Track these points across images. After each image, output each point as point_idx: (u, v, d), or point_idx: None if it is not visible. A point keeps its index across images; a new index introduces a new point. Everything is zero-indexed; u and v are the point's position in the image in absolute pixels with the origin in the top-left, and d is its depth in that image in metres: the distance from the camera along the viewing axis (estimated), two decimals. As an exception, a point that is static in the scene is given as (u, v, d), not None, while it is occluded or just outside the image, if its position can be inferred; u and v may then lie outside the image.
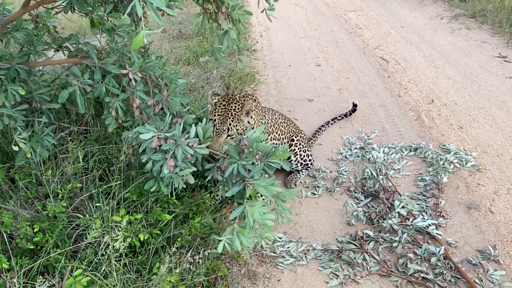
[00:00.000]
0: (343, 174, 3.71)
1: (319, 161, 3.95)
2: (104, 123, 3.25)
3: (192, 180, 2.41)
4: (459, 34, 6.69)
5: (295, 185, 3.59)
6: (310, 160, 3.68)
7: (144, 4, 1.54)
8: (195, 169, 2.39)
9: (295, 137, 3.62)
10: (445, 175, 3.53)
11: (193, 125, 2.43)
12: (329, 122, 4.45)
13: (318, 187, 3.59)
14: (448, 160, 3.71)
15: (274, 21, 8.02)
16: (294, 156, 3.59)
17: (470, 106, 4.65)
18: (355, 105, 4.51)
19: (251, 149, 2.37)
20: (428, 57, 6.00)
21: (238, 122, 2.80)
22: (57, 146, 3.05)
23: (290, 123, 3.68)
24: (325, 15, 8.18)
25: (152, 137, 2.23)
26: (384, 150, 3.98)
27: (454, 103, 4.75)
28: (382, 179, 3.51)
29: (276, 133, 3.41)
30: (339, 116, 4.54)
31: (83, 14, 2.59)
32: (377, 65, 5.90)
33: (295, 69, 5.98)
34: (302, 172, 3.69)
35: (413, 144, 4.04)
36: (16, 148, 2.39)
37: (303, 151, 3.63)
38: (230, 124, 2.78)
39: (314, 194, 3.53)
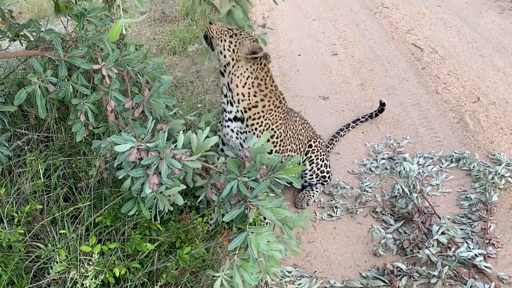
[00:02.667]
0: (367, 191, 3.71)
1: (337, 174, 3.96)
2: (70, 129, 3.27)
3: (180, 201, 2.42)
4: (510, 15, 6.72)
5: (307, 204, 3.59)
6: (328, 173, 3.69)
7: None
8: (184, 187, 2.40)
9: (313, 142, 3.64)
10: (495, 192, 3.53)
11: (181, 132, 2.43)
12: (349, 125, 4.46)
13: (336, 207, 3.59)
14: (499, 173, 3.71)
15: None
16: (310, 165, 3.60)
17: (525, 106, 4.68)
18: (382, 104, 4.53)
19: (253, 162, 2.38)
20: (471, 43, 6.02)
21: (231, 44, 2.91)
22: (12, 158, 3.06)
23: (308, 127, 3.69)
24: (343, -8, 8.24)
25: (130, 148, 2.24)
26: (418, 161, 3.98)
27: (505, 101, 4.77)
28: (417, 197, 3.51)
29: (294, 144, 3.43)
30: (363, 117, 4.56)
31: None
32: (408, 54, 5.92)
33: (306, 59, 6.00)
34: (317, 188, 3.69)
35: (455, 153, 4.05)
36: None
37: (321, 159, 3.64)
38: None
39: (332, 216, 3.54)
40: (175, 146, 2.33)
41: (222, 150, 3.27)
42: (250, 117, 3.01)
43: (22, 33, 2.88)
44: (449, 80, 5.24)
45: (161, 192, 2.30)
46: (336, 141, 4.27)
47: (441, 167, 3.92)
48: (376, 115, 4.57)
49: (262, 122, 3.03)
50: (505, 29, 6.31)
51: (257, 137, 3.00)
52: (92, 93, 2.58)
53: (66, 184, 3.05)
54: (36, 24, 2.78)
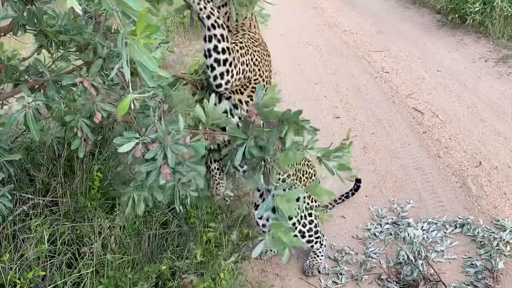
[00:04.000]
0: (372, 258, 3.69)
1: (342, 239, 3.94)
2: (75, 193, 3.31)
3: (201, 183, 2.35)
4: (508, 80, 6.86)
5: (319, 271, 3.55)
6: (321, 235, 3.59)
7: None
8: (203, 168, 2.33)
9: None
10: (500, 259, 3.51)
11: (180, 115, 2.28)
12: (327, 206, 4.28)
13: (340, 274, 3.56)
14: (504, 240, 3.69)
15: (283, 64, 8.27)
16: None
17: (527, 170, 4.71)
18: (358, 181, 4.34)
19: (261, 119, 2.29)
20: (471, 108, 6.13)
21: None
22: (17, 222, 3.07)
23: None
24: (344, 57, 8.45)
25: (135, 145, 2.13)
26: (422, 226, 3.97)
27: (507, 166, 4.80)
28: (422, 264, 3.48)
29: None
30: (339, 198, 4.38)
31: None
32: (409, 118, 6.01)
33: (309, 122, 6.08)
34: (320, 251, 3.62)
35: (459, 218, 4.05)
36: None
37: (305, 214, 3.46)
38: None
39: (336, 283, 3.50)
40: (177, 129, 2.23)
41: None
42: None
43: (23, 79, 2.86)
44: (451, 144, 5.30)
45: (180, 180, 2.25)
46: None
47: (445, 232, 3.91)
48: (353, 194, 4.37)
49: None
50: (504, 94, 6.43)
51: None
52: (82, 106, 2.42)
53: (70, 250, 3.05)
54: (35, 68, 2.72)
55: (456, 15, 8.89)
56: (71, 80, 2.44)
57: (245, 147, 2.22)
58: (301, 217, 3.41)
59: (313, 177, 3.53)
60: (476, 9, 8.39)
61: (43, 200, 3.29)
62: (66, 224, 3.14)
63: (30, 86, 2.62)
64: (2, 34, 2.86)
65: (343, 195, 4.39)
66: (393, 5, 11.41)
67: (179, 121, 2.25)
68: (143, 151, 2.14)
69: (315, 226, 3.50)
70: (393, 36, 9.20)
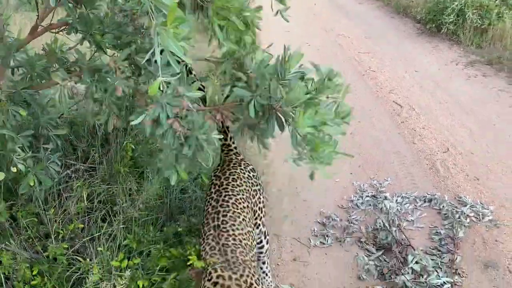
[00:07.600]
0: (353, 224, 3.69)
1: (329, 208, 3.94)
2: (110, 161, 3.32)
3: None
4: (475, 81, 6.77)
5: None
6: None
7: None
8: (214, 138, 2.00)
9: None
10: (461, 229, 3.51)
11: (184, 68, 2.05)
12: None
13: (327, 236, 3.57)
14: (464, 213, 3.69)
15: (285, 60, 8.16)
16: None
17: (487, 157, 4.66)
18: None
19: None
20: (443, 103, 6.06)
21: None
22: (62, 183, 3.09)
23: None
24: (337, 56, 8.36)
25: (144, 117, 1.86)
26: (397, 200, 3.97)
27: (470, 152, 4.77)
28: (395, 231, 3.49)
29: None
30: None
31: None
32: (390, 110, 5.96)
33: (306, 111, 6.05)
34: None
35: (428, 194, 4.04)
36: (14, 170, 2.28)
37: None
38: None
39: (323, 243, 3.51)
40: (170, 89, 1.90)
41: None
42: None
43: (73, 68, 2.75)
44: (424, 133, 5.26)
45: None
46: None
47: (416, 205, 3.90)
48: None
49: None
50: (471, 93, 6.34)
51: None
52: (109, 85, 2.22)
53: (104, 208, 3.07)
54: (82, 55, 2.64)
55: (433, 25, 8.78)
56: (102, 64, 2.30)
57: (254, 101, 1.92)
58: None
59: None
60: (450, 20, 8.28)
61: (83, 166, 3.30)
62: (102, 186, 3.16)
63: (74, 75, 2.54)
64: (56, 31, 2.80)
65: None
66: (381, 15, 11.24)
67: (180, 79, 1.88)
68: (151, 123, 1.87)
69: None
70: (379, 41, 9.07)
